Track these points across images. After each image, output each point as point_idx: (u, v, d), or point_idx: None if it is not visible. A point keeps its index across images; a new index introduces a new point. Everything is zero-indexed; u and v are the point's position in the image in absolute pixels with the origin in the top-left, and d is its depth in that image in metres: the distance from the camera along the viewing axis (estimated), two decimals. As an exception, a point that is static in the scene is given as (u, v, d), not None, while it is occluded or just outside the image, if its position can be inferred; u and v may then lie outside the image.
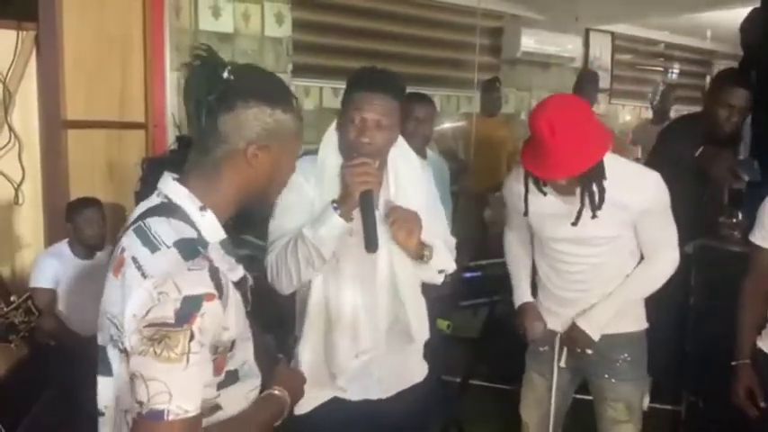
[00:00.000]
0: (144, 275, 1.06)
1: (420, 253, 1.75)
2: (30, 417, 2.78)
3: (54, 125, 3.55)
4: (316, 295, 1.78)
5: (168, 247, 1.08)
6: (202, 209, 1.17)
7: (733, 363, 2.15)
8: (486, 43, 5.86)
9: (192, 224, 1.15)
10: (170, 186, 1.19)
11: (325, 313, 1.79)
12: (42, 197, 3.58)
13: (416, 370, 1.95)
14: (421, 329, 1.90)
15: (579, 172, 1.81)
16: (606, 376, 2.12)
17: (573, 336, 2.08)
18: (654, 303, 2.18)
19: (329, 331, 1.79)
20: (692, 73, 7.85)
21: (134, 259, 1.09)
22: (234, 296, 1.13)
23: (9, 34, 3.37)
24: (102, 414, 1.18)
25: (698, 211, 2.71)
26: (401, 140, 1.83)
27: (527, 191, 1.98)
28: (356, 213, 1.68)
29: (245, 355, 1.20)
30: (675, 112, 5.28)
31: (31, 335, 2.47)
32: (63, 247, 3.17)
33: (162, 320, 1.02)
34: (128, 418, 1.12)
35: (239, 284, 1.18)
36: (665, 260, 2.06)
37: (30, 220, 3.56)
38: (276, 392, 1.28)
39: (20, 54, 3.40)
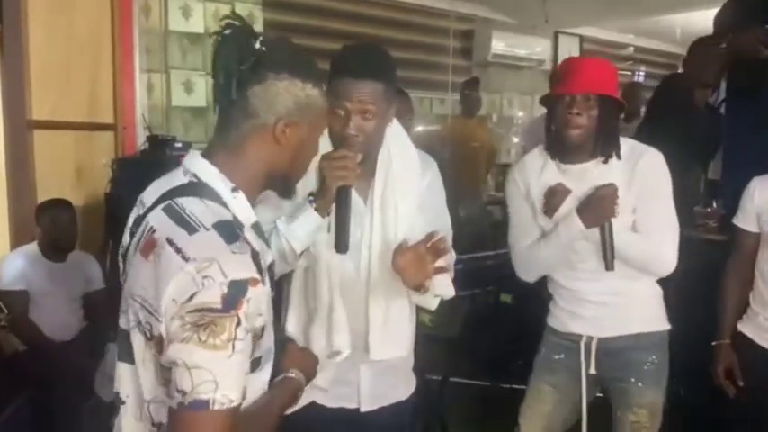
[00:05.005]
0: (185, 258, 1.00)
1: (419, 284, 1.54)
2: (3, 419, 2.71)
3: (18, 126, 3.45)
4: (297, 282, 1.70)
5: (207, 230, 1.03)
6: (234, 190, 1.12)
7: (713, 342, 2.16)
8: (457, 46, 5.89)
9: (225, 206, 1.10)
10: (199, 165, 1.13)
11: (305, 304, 1.70)
12: (8, 200, 3.47)
13: (401, 386, 1.80)
14: (402, 341, 1.75)
15: (604, 89, 1.84)
16: (633, 380, 1.99)
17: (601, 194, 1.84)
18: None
19: (309, 323, 1.69)
20: (660, 76, 7.96)
21: (170, 241, 1.02)
22: (267, 281, 1.09)
23: (-29, 33, 3.29)
24: (123, 402, 1.12)
25: (675, 201, 2.73)
26: (400, 130, 1.70)
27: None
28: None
29: (269, 342, 1.15)
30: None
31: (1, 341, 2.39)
32: (32, 247, 3.08)
33: (208, 306, 0.97)
34: (150, 408, 1.08)
35: (268, 269, 1.15)
36: (659, 253, 1.93)
37: (-6, 225, 3.45)
38: (291, 375, 1.25)
39: (-18, 53, 3.32)
